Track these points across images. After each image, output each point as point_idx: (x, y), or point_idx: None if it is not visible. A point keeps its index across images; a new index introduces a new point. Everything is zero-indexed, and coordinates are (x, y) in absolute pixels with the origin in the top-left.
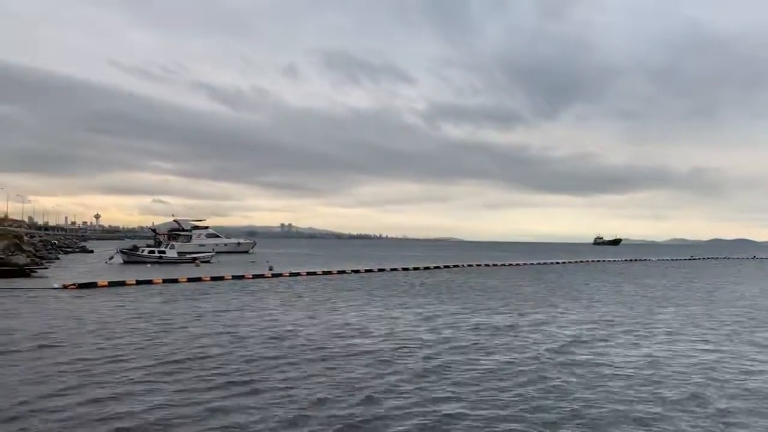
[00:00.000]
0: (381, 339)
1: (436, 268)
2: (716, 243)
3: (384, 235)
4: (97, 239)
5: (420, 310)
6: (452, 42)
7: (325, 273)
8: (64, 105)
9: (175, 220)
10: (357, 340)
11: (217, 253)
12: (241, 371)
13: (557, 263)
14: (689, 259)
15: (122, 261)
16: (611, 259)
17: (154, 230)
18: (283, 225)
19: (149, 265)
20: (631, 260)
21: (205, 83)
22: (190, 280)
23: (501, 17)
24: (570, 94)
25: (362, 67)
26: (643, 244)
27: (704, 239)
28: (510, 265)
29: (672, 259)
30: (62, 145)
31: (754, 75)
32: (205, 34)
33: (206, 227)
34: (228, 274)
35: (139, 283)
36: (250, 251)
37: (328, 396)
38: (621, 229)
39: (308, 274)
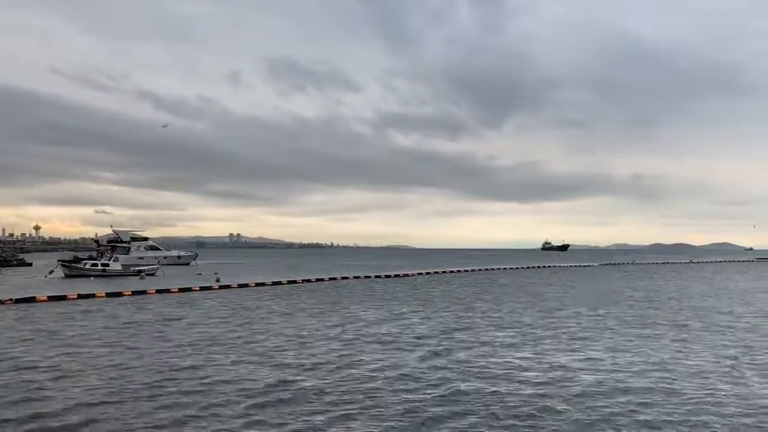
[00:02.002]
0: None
1: (387, 276)
2: (657, 248)
3: (336, 244)
4: (37, 251)
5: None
6: (397, 52)
7: (274, 284)
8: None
9: (113, 231)
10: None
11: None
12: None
13: (510, 269)
14: (631, 264)
15: (63, 275)
16: (560, 265)
17: (97, 242)
18: (231, 235)
19: (92, 279)
20: (579, 266)
21: (149, 91)
22: (134, 293)
23: (442, 30)
24: (512, 104)
25: (308, 76)
26: (588, 249)
27: (646, 244)
28: (460, 271)
29: (614, 263)
30: None
31: (689, 86)
32: (150, 41)
33: (146, 238)
34: (175, 287)
35: (81, 297)
36: (192, 263)
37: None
38: (566, 235)
39: (257, 285)
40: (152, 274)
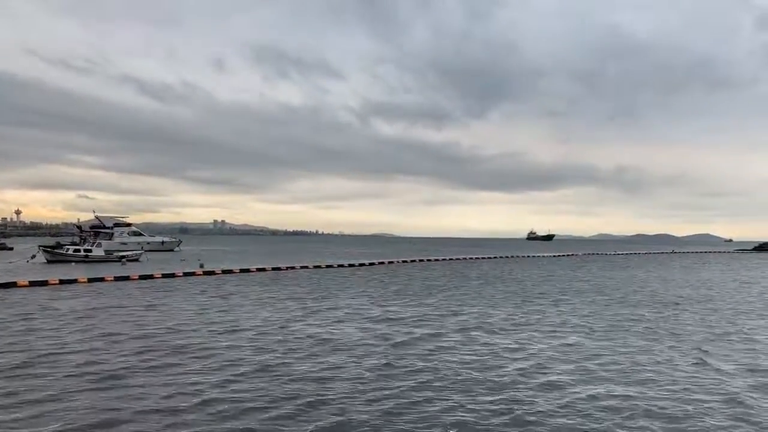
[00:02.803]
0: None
1: (362, 264)
2: (640, 238)
3: (321, 232)
4: (18, 236)
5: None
6: (383, 41)
7: (259, 270)
8: None
9: (96, 217)
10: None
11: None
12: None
13: (493, 258)
14: (614, 254)
15: (46, 260)
16: (544, 254)
17: (79, 227)
18: (216, 221)
19: (74, 264)
20: (562, 255)
21: (132, 76)
22: (117, 278)
23: (429, 18)
24: (498, 93)
25: (293, 63)
26: (572, 239)
27: (629, 234)
28: (451, 259)
29: (599, 253)
30: None
31: (669, 80)
32: (130, 24)
33: (129, 224)
34: (158, 273)
35: (62, 282)
36: (176, 249)
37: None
38: (550, 224)
39: (242, 271)
40: (135, 260)
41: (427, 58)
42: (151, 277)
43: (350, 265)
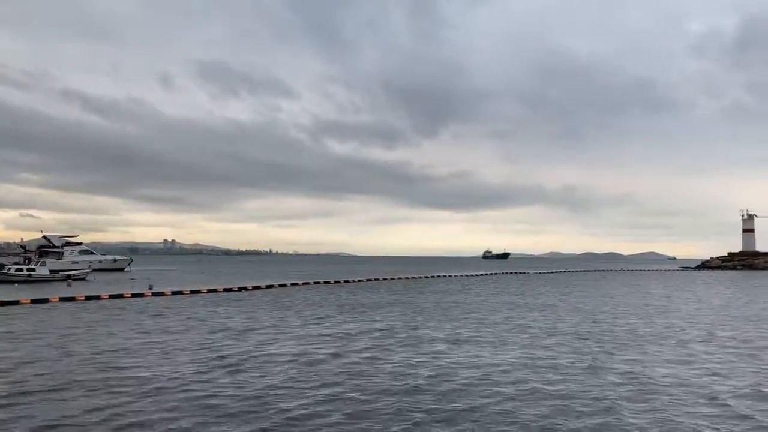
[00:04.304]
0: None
1: (316, 283)
2: (588, 256)
3: (275, 251)
4: None
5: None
6: (332, 61)
7: (210, 291)
8: None
9: (44, 236)
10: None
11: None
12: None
13: (457, 275)
14: (564, 272)
15: None
16: (498, 272)
17: (23, 246)
18: (166, 241)
19: (17, 285)
20: (515, 272)
21: (74, 91)
22: (62, 299)
23: (377, 39)
24: (447, 114)
25: (242, 80)
26: (525, 257)
27: (578, 252)
28: (406, 278)
29: (550, 272)
30: None
31: (610, 102)
32: (72, 38)
33: (79, 243)
34: (105, 294)
35: (2, 304)
36: (126, 269)
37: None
38: (502, 243)
39: (192, 292)
40: (82, 279)
41: (376, 78)
42: (98, 297)
43: (305, 284)
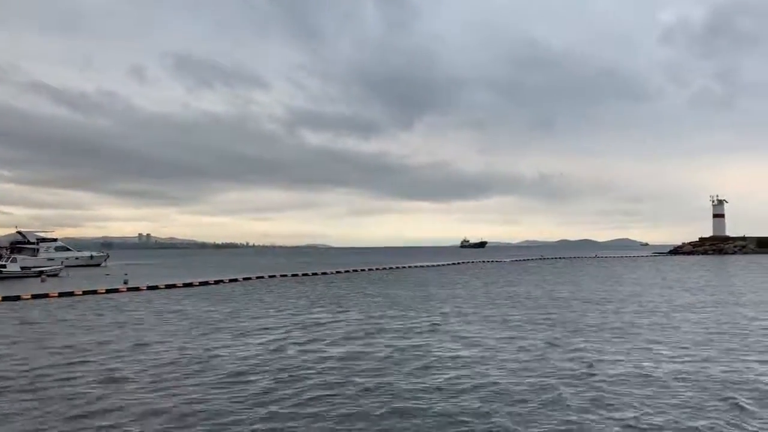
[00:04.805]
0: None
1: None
2: (563, 244)
3: (252, 244)
4: None
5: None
6: (306, 51)
7: (186, 285)
8: None
9: (18, 232)
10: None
11: (67, 267)
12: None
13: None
14: (540, 258)
15: None
16: (475, 260)
17: None
18: (141, 235)
19: None
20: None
21: (45, 84)
22: (35, 296)
23: (351, 29)
24: (422, 104)
25: (216, 72)
26: (501, 245)
27: (553, 240)
28: (389, 268)
29: (526, 259)
30: None
31: (583, 91)
32: (41, 30)
33: (54, 239)
34: (78, 289)
35: None
36: (103, 264)
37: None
38: (478, 232)
39: (167, 287)
40: (55, 275)
41: (350, 68)
42: (71, 294)
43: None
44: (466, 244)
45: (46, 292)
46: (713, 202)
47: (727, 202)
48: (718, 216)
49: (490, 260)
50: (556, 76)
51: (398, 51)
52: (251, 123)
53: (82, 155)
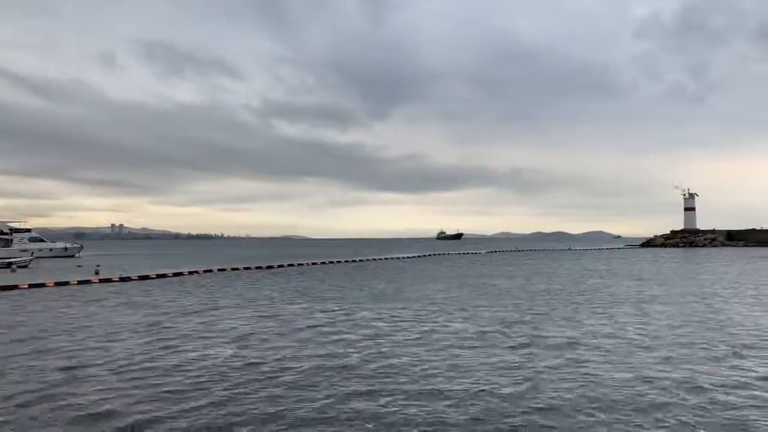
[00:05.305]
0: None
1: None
2: (537, 236)
3: (226, 235)
4: None
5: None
6: (281, 41)
7: (159, 276)
8: None
9: None
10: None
11: (40, 258)
12: None
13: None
14: (515, 251)
15: None
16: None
17: None
18: (113, 225)
19: None
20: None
21: (8, 70)
22: (3, 288)
23: (327, 19)
24: (398, 95)
25: (188, 61)
26: (477, 237)
27: (527, 232)
28: (353, 261)
29: (501, 251)
30: None
31: (562, 85)
32: (3, 13)
33: (28, 230)
34: (50, 281)
35: None
36: (77, 255)
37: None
38: (454, 224)
39: (140, 278)
40: (25, 266)
41: (327, 59)
42: (43, 285)
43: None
44: (442, 236)
45: (16, 283)
46: (684, 195)
47: (698, 195)
48: (689, 209)
49: (467, 252)
50: (531, 69)
51: (375, 42)
52: (226, 112)
53: (50, 144)
